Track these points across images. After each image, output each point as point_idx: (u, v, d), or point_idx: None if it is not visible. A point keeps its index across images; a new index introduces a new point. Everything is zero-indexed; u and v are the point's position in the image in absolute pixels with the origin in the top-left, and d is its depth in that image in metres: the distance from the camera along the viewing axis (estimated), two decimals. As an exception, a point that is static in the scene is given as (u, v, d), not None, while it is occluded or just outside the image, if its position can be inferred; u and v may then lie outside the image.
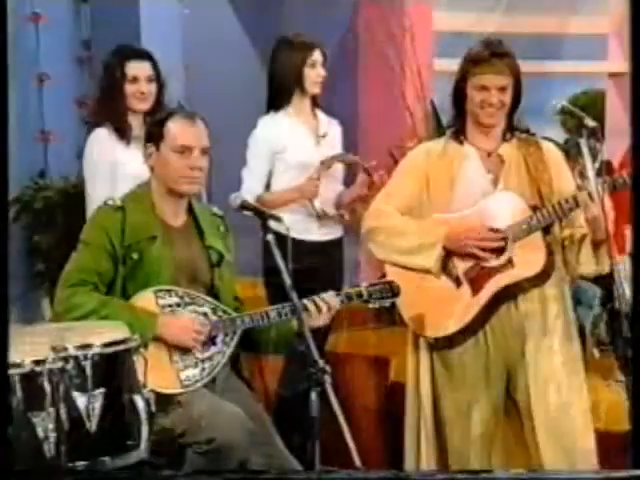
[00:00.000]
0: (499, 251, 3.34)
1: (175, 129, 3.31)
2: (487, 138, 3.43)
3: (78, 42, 5.83)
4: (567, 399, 3.40)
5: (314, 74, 4.26)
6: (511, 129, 3.45)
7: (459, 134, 3.45)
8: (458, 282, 3.37)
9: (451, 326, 3.37)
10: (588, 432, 3.41)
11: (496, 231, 3.33)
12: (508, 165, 3.41)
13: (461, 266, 3.37)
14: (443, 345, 3.41)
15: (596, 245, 3.26)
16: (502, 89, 3.33)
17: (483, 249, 3.33)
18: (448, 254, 3.38)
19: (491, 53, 3.31)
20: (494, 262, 3.33)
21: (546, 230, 3.36)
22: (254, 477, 2.82)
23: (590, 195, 3.18)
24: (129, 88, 4.09)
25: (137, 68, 4.11)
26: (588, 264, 3.32)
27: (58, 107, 5.71)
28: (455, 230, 3.35)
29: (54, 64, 5.68)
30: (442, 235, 3.35)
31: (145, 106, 4.10)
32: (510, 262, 3.33)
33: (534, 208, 3.34)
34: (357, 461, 2.77)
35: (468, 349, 3.38)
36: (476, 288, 3.35)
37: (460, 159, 3.42)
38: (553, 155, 3.47)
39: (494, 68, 3.31)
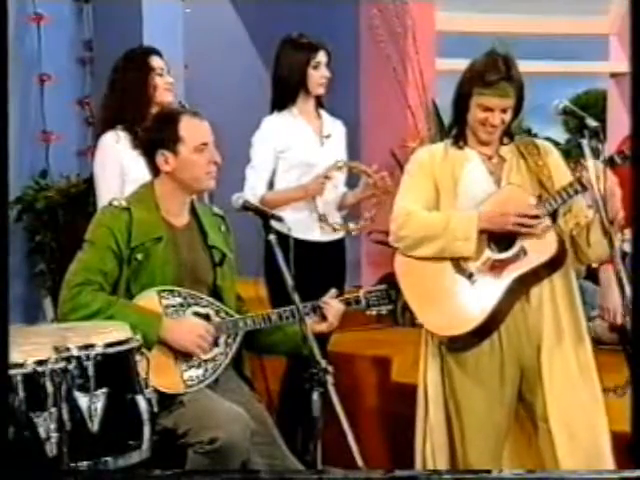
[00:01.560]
0: (510, 242, 3.32)
1: (192, 128, 3.31)
2: (487, 143, 3.42)
3: (80, 42, 5.84)
4: (583, 398, 3.35)
5: (318, 75, 4.26)
6: (509, 135, 3.45)
7: (459, 140, 3.44)
8: (472, 278, 3.34)
9: (468, 324, 3.31)
10: (604, 432, 3.35)
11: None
12: (509, 166, 3.41)
13: (473, 262, 3.34)
14: (458, 347, 3.36)
15: (605, 230, 3.20)
16: (505, 110, 3.33)
17: (523, 225, 3.27)
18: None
19: (499, 78, 3.28)
20: (507, 253, 3.32)
21: (553, 219, 3.33)
22: (254, 477, 2.82)
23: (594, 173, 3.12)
24: (158, 80, 4.12)
25: (160, 62, 4.17)
26: (599, 246, 3.23)
27: (60, 107, 5.71)
28: (490, 210, 3.31)
29: (56, 64, 5.68)
30: (476, 219, 3.31)
31: (171, 98, 4.14)
32: (523, 251, 3.31)
33: (539, 197, 3.33)
34: (359, 461, 2.77)
35: (483, 349, 3.35)
36: (491, 282, 3.31)
37: (462, 161, 3.41)
38: (550, 152, 3.47)
39: (500, 91, 3.29)
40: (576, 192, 3.26)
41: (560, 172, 3.41)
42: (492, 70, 3.30)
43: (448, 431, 3.42)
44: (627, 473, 2.46)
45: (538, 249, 3.30)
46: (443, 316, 3.34)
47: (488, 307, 3.29)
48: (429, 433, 3.44)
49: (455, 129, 3.47)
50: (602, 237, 3.13)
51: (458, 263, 3.34)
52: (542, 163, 3.40)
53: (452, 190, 3.39)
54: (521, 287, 3.33)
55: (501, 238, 3.33)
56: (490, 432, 3.37)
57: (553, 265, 3.34)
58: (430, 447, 3.43)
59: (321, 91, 4.29)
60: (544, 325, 3.35)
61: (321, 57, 4.25)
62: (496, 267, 3.31)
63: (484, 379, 3.35)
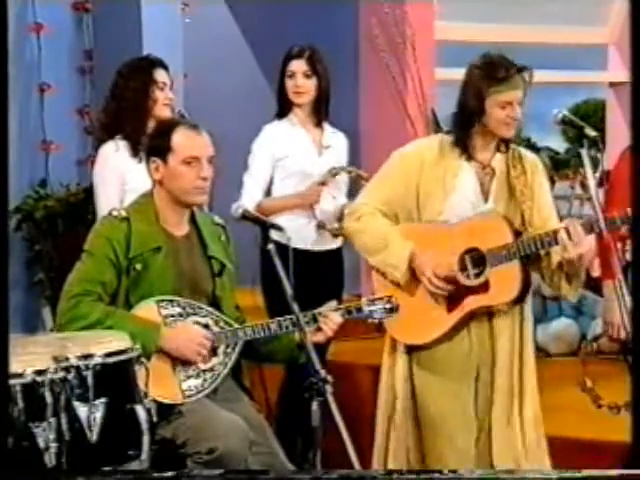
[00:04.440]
0: (478, 272, 3.32)
1: (183, 141, 3.28)
2: (486, 150, 3.43)
3: (80, 52, 5.85)
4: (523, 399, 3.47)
5: (291, 84, 4.23)
6: (506, 143, 3.45)
7: (464, 150, 3.42)
8: (435, 297, 3.39)
9: (428, 335, 3.42)
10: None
11: (471, 250, 3.32)
12: (498, 180, 3.43)
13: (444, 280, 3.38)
14: (421, 347, 3.46)
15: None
16: (520, 102, 3.34)
17: (433, 285, 3.35)
18: None
19: (510, 71, 3.29)
20: (472, 282, 3.33)
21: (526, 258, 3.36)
22: (254, 477, 2.81)
23: (569, 233, 3.18)
24: (159, 94, 4.05)
25: (164, 76, 4.10)
26: (568, 289, 3.37)
27: (59, 117, 5.73)
28: (419, 256, 3.37)
29: (56, 74, 5.70)
30: (407, 255, 3.38)
31: (169, 113, 4.08)
32: (487, 285, 3.33)
33: (516, 233, 3.33)
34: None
35: (454, 349, 3.42)
36: (452, 305, 3.38)
37: (454, 170, 3.41)
38: (535, 168, 3.48)
39: (514, 84, 3.30)
40: (549, 244, 3.29)
41: (542, 190, 3.45)
42: (500, 67, 3.31)
43: (416, 430, 3.47)
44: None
45: (501, 288, 3.35)
46: (406, 324, 3.43)
47: (448, 324, 3.39)
48: (393, 431, 3.50)
49: (460, 139, 3.43)
50: (572, 282, 3.31)
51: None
52: (524, 179, 3.42)
53: (440, 198, 3.40)
54: (474, 316, 3.41)
55: (478, 259, 3.35)
56: (458, 432, 3.41)
57: (514, 303, 3.42)
58: (393, 446, 3.49)
59: (299, 100, 4.25)
60: (498, 345, 3.44)
61: (295, 66, 4.23)
62: (460, 292, 3.35)
63: (456, 374, 3.42)
